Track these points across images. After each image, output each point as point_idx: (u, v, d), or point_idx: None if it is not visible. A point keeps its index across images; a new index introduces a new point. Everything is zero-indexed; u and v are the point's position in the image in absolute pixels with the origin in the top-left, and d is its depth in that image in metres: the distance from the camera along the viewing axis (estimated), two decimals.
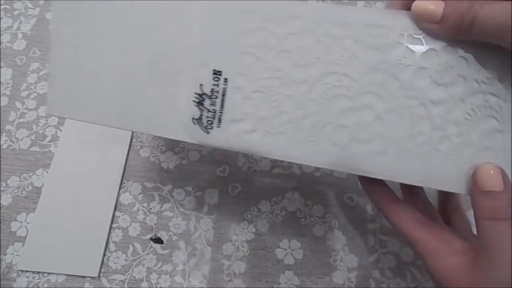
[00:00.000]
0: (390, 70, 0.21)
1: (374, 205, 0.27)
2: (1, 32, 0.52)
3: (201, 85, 0.23)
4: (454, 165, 0.21)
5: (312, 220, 0.41)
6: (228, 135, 0.24)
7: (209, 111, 0.24)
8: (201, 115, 0.24)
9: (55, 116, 0.25)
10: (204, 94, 0.23)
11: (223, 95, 0.23)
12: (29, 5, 0.54)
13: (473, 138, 0.21)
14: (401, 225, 0.24)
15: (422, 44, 0.21)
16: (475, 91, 0.21)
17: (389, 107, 0.22)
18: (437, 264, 0.22)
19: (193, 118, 0.24)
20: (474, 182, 0.21)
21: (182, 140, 0.24)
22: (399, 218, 0.24)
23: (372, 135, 0.22)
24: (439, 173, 0.21)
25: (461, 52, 0.21)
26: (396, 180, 0.22)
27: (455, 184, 0.21)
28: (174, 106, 0.24)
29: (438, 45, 0.21)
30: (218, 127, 0.24)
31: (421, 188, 0.30)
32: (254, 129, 0.23)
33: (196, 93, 0.24)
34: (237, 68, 0.23)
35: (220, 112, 0.23)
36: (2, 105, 0.47)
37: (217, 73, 0.23)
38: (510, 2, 0.18)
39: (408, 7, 0.22)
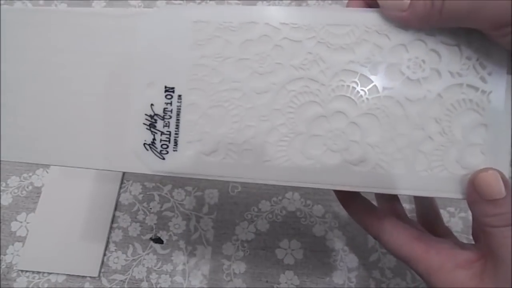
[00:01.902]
0: (359, 70, 0.20)
1: (358, 223, 0.25)
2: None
3: (151, 105, 0.21)
4: (442, 166, 0.20)
5: (312, 220, 0.41)
6: (186, 160, 0.21)
7: (162, 133, 0.21)
8: (154, 139, 0.21)
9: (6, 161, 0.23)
10: (156, 115, 0.21)
11: (178, 114, 0.21)
12: (29, 5, 0.54)
13: (456, 135, 0.19)
14: (395, 244, 0.22)
15: (389, 40, 0.20)
16: (451, 85, 0.19)
17: (363, 111, 0.20)
18: (443, 281, 0.21)
19: (144, 144, 0.21)
20: (475, 191, 0.19)
21: (135, 171, 0.21)
22: (391, 236, 0.23)
23: (348, 142, 0.20)
24: (427, 177, 0.20)
25: (431, 44, 0.19)
26: (380, 191, 0.20)
27: (447, 188, 0.20)
28: (123, 134, 0.21)
29: (406, 39, 0.20)
30: (175, 150, 0.21)
31: (397, 197, 0.28)
32: (214, 149, 0.21)
33: (147, 115, 0.21)
34: (191, 83, 0.21)
35: (176, 134, 0.21)
36: None
37: (169, 90, 0.21)
38: None
39: (368, 6, 0.21)
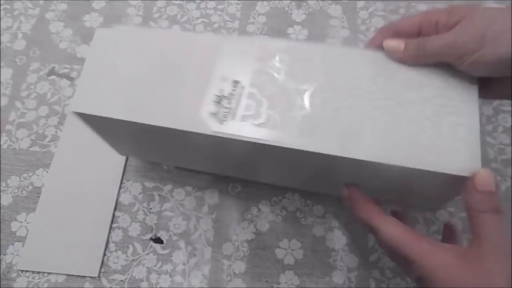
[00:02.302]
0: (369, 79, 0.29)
1: (360, 217, 0.29)
2: (1, 32, 0.52)
3: (221, 90, 0.29)
4: (432, 152, 0.26)
5: (312, 220, 0.41)
6: (241, 126, 0.28)
7: (225, 108, 0.29)
8: (218, 110, 0.29)
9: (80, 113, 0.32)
10: (223, 96, 0.29)
11: (239, 97, 0.29)
12: (29, 5, 0.54)
13: (443, 130, 0.27)
14: (391, 233, 0.27)
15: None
16: (436, 95, 0.28)
17: (372, 106, 0.28)
18: (431, 264, 0.24)
19: (210, 112, 0.29)
20: (472, 182, 0.25)
21: (199, 131, 0.28)
22: (388, 227, 0.27)
23: (361, 127, 0.28)
24: (423, 156, 0.27)
25: (422, 70, 0.29)
26: (387, 162, 0.26)
27: (439, 165, 0.26)
28: (199, 104, 0.29)
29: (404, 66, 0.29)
30: (232, 120, 0.28)
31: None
32: (263, 122, 0.28)
33: (217, 95, 0.29)
34: (252, 81, 0.30)
35: (235, 109, 0.29)
36: (2, 105, 0.47)
37: (235, 82, 0.30)
38: (447, 33, 0.27)
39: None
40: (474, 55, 0.25)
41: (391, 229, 0.27)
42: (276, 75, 0.30)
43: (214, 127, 0.28)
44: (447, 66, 0.28)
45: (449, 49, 0.27)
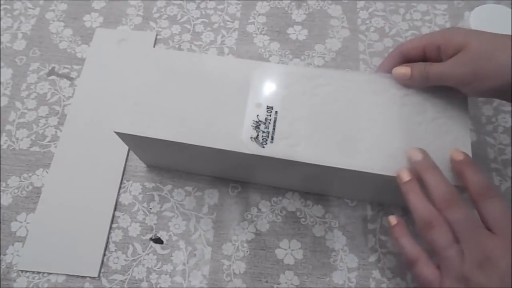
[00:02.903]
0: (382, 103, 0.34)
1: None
2: (1, 32, 0.52)
3: (257, 115, 0.33)
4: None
5: (312, 220, 0.41)
6: (278, 149, 0.32)
7: (263, 132, 0.32)
8: (258, 135, 0.32)
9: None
10: (260, 121, 0.33)
11: (274, 122, 0.33)
12: (29, 5, 0.54)
13: (444, 140, 0.32)
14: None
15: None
16: (436, 117, 0.33)
17: (387, 127, 0.33)
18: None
19: (251, 137, 0.32)
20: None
21: (244, 152, 0.32)
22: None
23: (382, 144, 0.32)
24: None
25: (425, 95, 0.34)
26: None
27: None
28: (240, 130, 0.33)
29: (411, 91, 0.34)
30: (271, 143, 0.32)
31: None
32: (297, 143, 0.32)
33: (254, 121, 0.33)
34: (283, 105, 0.33)
35: (272, 133, 0.32)
36: (2, 105, 0.47)
37: (269, 108, 0.33)
38: (446, 63, 0.30)
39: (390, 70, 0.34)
40: (470, 85, 0.30)
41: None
42: (303, 99, 0.34)
43: (257, 151, 0.32)
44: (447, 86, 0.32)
45: (448, 77, 0.30)
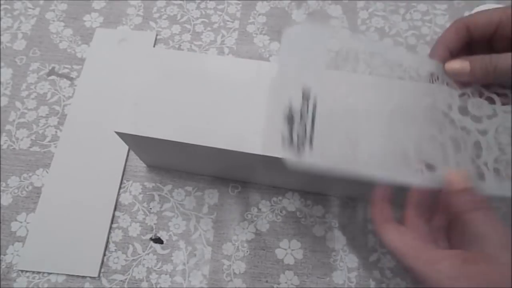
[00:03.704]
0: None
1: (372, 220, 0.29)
2: (1, 32, 0.52)
3: (288, 118, 0.26)
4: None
5: (312, 220, 0.41)
6: (311, 154, 0.25)
7: (295, 138, 0.26)
8: (290, 138, 0.25)
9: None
10: (293, 114, 0.25)
11: (304, 126, 0.26)
12: (29, 5, 0.54)
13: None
14: (391, 240, 0.26)
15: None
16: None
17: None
18: (432, 276, 0.24)
19: (287, 143, 0.25)
20: (449, 183, 0.25)
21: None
22: (389, 234, 0.27)
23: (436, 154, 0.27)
24: None
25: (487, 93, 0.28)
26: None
27: None
28: (244, 128, 0.32)
29: (468, 90, 0.28)
30: (303, 149, 0.25)
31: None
32: (328, 149, 0.26)
33: (286, 124, 0.25)
34: (314, 109, 0.26)
35: (304, 138, 0.26)
36: (2, 105, 0.47)
37: (307, 96, 0.26)
38: None
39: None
40: None
41: (392, 236, 0.26)
42: (333, 102, 0.28)
43: (291, 156, 0.26)
44: None
45: None
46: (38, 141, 0.45)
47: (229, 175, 0.42)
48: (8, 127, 0.46)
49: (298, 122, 0.25)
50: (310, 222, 0.41)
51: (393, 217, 0.28)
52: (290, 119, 0.25)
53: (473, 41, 0.27)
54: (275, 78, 0.28)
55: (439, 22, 0.52)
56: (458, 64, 0.27)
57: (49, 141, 0.45)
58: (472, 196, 0.24)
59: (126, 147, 0.44)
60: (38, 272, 0.39)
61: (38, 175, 0.44)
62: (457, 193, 0.24)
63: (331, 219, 0.41)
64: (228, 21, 0.52)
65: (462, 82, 0.28)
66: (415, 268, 0.24)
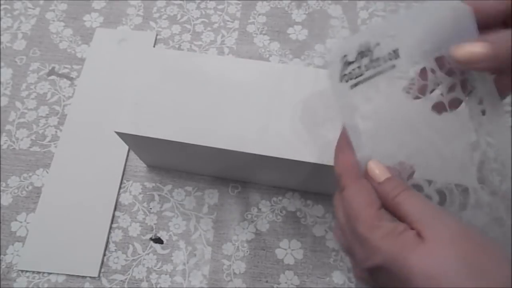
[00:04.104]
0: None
1: (335, 170, 0.25)
2: (1, 32, 0.52)
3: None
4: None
5: (312, 220, 0.41)
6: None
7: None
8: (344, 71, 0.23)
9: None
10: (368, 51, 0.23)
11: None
12: (29, 5, 0.54)
13: None
14: (353, 195, 0.23)
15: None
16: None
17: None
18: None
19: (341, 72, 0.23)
20: (372, 177, 0.23)
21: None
22: (355, 189, 0.23)
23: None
24: None
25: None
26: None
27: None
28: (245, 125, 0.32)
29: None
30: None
31: None
32: None
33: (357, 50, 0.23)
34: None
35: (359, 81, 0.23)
36: (2, 105, 0.47)
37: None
38: None
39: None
40: None
41: (357, 192, 0.22)
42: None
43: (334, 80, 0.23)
44: None
45: None
46: (38, 141, 0.45)
47: (229, 175, 0.42)
48: (8, 127, 0.46)
49: (361, 63, 0.22)
50: (310, 222, 0.41)
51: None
52: (360, 54, 0.22)
53: (485, 26, 0.22)
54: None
55: None
56: (478, 47, 0.20)
57: (49, 141, 0.45)
58: (395, 182, 0.22)
59: (126, 147, 0.44)
60: (38, 272, 0.39)
61: (38, 175, 0.44)
62: (381, 183, 0.22)
63: (331, 219, 0.41)
64: (228, 21, 0.52)
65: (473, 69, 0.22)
66: (368, 243, 0.20)
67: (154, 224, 0.41)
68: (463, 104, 0.26)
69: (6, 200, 0.42)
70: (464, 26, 0.22)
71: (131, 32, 0.51)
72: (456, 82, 0.25)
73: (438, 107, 0.25)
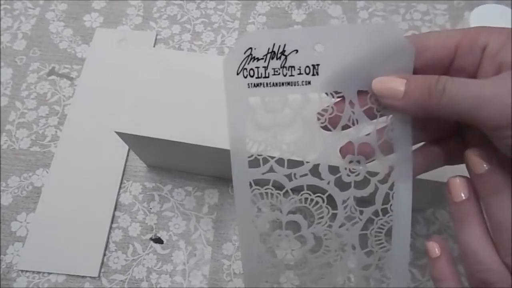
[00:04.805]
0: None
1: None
2: (1, 32, 0.52)
3: None
4: None
5: (312, 219, 0.41)
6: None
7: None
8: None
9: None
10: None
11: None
12: (29, 5, 0.54)
13: None
14: None
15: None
16: None
17: None
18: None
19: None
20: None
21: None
22: None
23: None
24: None
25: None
26: None
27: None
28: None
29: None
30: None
31: None
32: None
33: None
34: None
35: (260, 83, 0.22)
36: (2, 105, 0.47)
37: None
38: (486, 81, 0.17)
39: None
40: None
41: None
42: None
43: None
44: None
45: (481, 107, 0.17)
46: (38, 141, 0.45)
47: (229, 175, 0.42)
48: (8, 127, 0.46)
49: (269, 65, 0.21)
50: (310, 222, 0.41)
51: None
52: (271, 54, 0.20)
53: (427, 68, 0.20)
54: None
55: (439, 22, 0.52)
56: (394, 83, 0.19)
57: (49, 141, 0.45)
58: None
59: (126, 147, 0.44)
60: (38, 272, 0.39)
61: (38, 175, 0.44)
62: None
63: None
64: (228, 21, 0.52)
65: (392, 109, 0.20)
66: None
67: (154, 224, 0.41)
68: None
69: (6, 200, 0.42)
70: (401, 66, 0.20)
71: (131, 32, 0.51)
72: (373, 128, 0.22)
73: (345, 150, 0.23)
